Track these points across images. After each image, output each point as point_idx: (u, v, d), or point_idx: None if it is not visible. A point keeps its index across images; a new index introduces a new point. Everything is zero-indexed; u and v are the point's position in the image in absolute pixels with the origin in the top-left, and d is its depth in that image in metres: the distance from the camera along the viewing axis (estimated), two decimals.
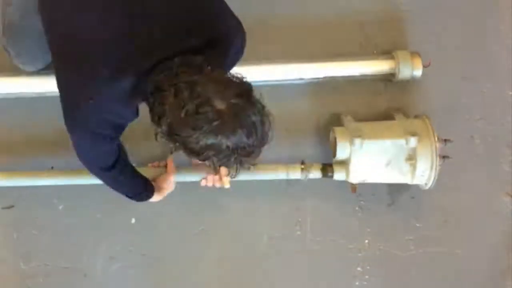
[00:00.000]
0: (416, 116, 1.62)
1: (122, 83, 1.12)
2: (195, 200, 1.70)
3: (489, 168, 1.73)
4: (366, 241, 1.72)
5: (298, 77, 1.64)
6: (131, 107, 1.20)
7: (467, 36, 1.73)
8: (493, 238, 1.73)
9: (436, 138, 1.51)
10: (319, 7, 1.72)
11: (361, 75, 1.64)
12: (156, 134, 1.09)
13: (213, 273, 1.71)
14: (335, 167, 1.59)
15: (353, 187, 1.63)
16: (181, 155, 1.10)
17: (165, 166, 1.58)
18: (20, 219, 1.69)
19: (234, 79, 1.07)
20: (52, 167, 1.68)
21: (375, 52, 1.71)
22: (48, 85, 1.58)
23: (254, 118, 1.03)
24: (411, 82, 1.66)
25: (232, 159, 1.05)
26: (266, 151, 1.11)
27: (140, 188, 1.49)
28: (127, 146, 1.43)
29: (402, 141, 1.52)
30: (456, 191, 1.72)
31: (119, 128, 1.27)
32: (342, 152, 1.56)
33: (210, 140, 1.01)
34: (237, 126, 1.02)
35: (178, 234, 1.71)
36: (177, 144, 1.07)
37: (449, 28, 1.73)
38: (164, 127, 1.05)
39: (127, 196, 1.48)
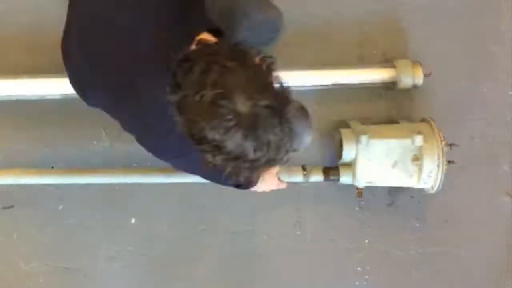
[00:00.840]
0: (422, 120, 1.62)
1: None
2: (195, 200, 1.70)
3: (489, 168, 1.73)
4: (366, 241, 1.72)
5: (300, 84, 1.62)
6: None
7: (467, 37, 1.73)
8: (493, 238, 1.73)
9: (442, 139, 1.51)
10: (319, 14, 1.73)
11: (361, 84, 1.64)
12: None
13: (213, 273, 1.71)
14: (341, 170, 1.58)
15: (359, 192, 1.63)
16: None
17: None
18: (20, 219, 1.69)
19: (276, 86, 0.95)
20: (52, 167, 1.69)
21: (375, 52, 1.72)
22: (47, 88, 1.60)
23: (272, 137, 0.92)
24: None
25: (231, 164, 0.96)
26: None
27: None
28: None
29: (408, 141, 1.52)
30: (456, 191, 1.72)
31: None
32: (348, 153, 1.55)
33: (211, 135, 0.91)
34: (248, 137, 0.91)
35: (178, 234, 1.71)
36: (179, 120, 0.96)
37: (449, 28, 1.73)
38: (175, 98, 0.95)
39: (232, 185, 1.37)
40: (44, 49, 1.65)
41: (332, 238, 1.71)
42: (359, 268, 1.72)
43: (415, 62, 1.62)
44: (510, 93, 1.74)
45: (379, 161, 1.54)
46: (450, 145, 1.57)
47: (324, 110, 1.70)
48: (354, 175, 1.57)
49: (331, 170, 1.59)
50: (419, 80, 1.61)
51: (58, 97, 1.61)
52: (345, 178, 1.58)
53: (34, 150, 1.69)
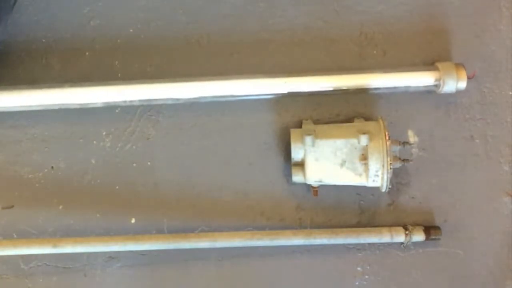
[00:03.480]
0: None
1: None
2: (195, 199, 1.70)
3: (489, 168, 1.73)
4: None
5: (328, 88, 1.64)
6: None
7: (467, 36, 1.73)
8: (493, 238, 1.73)
9: (387, 138, 1.54)
10: (319, 14, 1.73)
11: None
12: None
13: (213, 273, 1.71)
14: (294, 169, 1.62)
15: (315, 191, 1.64)
16: None
17: None
18: (20, 219, 1.70)
19: None
20: (52, 167, 1.69)
21: (375, 52, 1.72)
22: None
23: None
24: None
25: None
26: None
27: None
28: None
29: (354, 140, 1.55)
30: (456, 191, 1.72)
31: None
32: (296, 152, 1.60)
33: None
34: None
35: (177, 233, 1.70)
36: None
37: (449, 27, 1.73)
38: None
39: None
40: None
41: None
42: (359, 268, 1.72)
43: (458, 64, 1.63)
44: (510, 93, 1.74)
45: (327, 160, 1.57)
46: (404, 143, 1.61)
47: (322, 112, 1.71)
48: (304, 174, 1.59)
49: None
50: (463, 83, 1.61)
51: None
52: (297, 177, 1.62)
53: (34, 149, 1.69)
